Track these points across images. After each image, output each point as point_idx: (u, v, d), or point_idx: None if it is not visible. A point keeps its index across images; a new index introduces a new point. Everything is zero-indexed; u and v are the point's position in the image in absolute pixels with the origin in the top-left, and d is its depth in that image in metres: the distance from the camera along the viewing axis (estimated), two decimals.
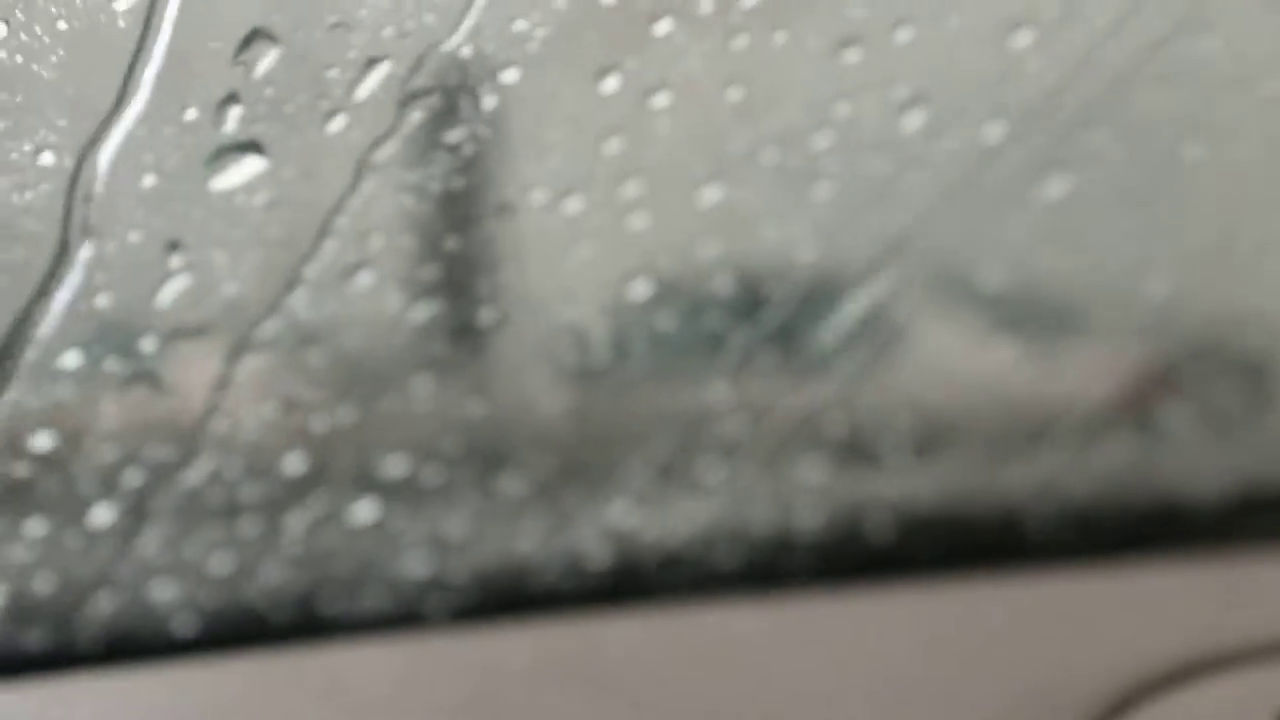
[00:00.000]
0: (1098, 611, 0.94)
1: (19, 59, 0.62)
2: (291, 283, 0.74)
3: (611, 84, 0.72)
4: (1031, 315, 1.00)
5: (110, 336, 0.72)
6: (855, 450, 0.98)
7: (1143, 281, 0.99)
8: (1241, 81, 0.89)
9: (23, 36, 0.62)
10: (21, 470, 0.75)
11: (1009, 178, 0.87)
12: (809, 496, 0.98)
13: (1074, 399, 1.05)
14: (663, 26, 0.71)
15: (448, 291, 0.78)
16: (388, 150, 0.71)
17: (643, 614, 0.90)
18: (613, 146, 0.75)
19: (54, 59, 0.63)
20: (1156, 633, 0.92)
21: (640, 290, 0.83)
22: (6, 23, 0.61)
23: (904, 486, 1.01)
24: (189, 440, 0.77)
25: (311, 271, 0.74)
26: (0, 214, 0.66)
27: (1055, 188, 0.88)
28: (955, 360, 0.99)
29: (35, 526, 0.77)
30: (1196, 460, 1.08)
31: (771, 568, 0.97)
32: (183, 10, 0.63)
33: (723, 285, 0.86)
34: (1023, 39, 0.78)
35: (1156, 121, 0.89)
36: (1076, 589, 0.95)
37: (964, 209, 0.88)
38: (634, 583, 0.93)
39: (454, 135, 0.72)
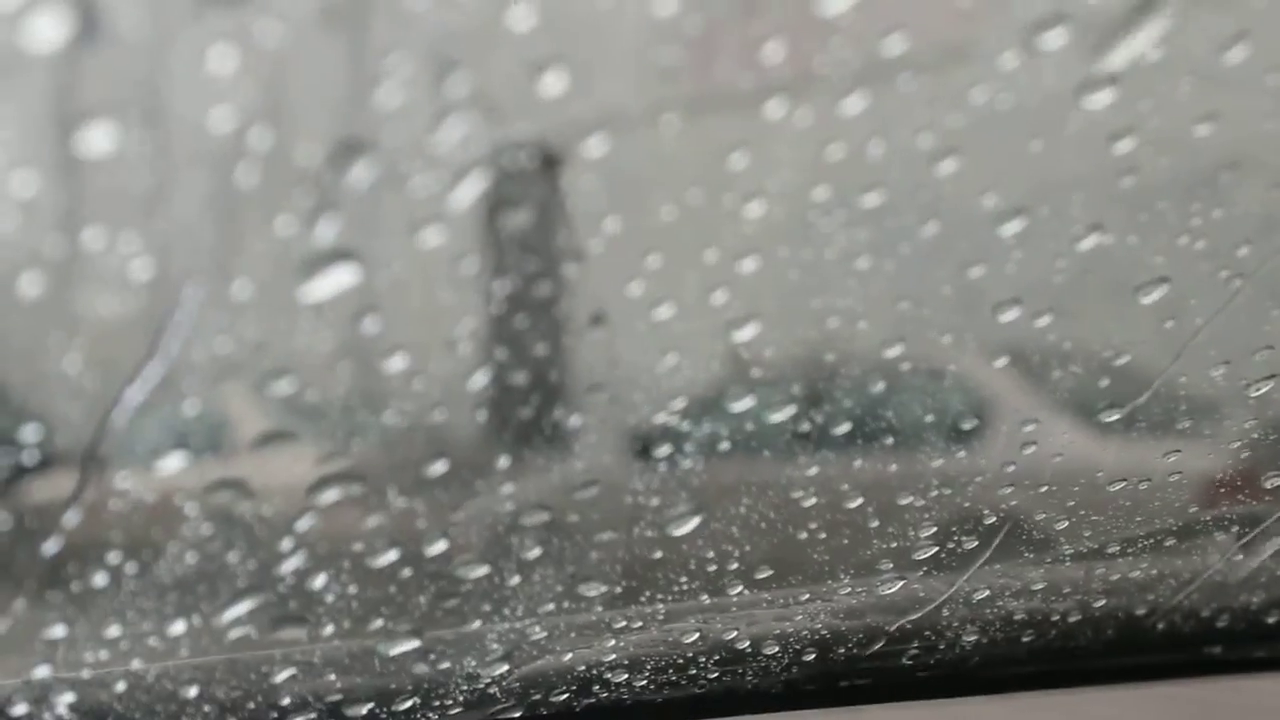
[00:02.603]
0: None
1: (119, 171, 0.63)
2: (379, 389, 0.73)
3: (705, 194, 0.72)
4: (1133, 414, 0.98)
5: (198, 441, 0.72)
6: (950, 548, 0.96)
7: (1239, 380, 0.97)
8: None
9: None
10: (102, 574, 0.75)
11: (1107, 281, 0.86)
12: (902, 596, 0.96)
13: (1172, 497, 1.03)
14: (759, 136, 0.70)
15: (536, 395, 0.78)
16: (478, 258, 0.70)
17: None
18: (708, 255, 0.74)
19: (149, 174, 0.63)
20: None
21: (734, 391, 0.82)
22: None
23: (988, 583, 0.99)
24: (275, 543, 0.77)
25: (399, 378, 0.73)
26: (93, 320, 0.66)
27: (1151, 289, 0.87)
28: (1048, 456, 0.97)
29: (114, 630, 0.77)
30: None
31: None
32: (275, 122, 0.63)
33: (818, 385, 0.85)
34: (1123, 147, 0.77)
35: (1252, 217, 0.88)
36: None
37: (1061, 311, 0.86)
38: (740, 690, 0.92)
39: (544, 244, 0.71)
